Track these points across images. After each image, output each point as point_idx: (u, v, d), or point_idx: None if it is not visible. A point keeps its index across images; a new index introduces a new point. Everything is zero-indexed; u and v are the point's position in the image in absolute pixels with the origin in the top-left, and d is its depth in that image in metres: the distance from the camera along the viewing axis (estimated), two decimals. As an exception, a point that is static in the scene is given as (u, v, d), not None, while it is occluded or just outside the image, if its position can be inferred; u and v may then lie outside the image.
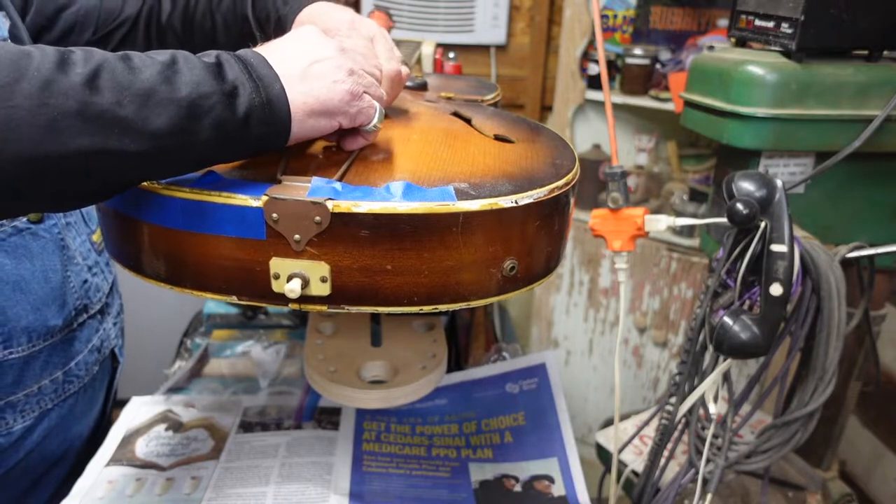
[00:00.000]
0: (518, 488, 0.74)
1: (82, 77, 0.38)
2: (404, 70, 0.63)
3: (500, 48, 1.94)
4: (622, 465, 0.95)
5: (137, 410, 0.84)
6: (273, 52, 0.47)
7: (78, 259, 0.74)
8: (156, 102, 0.40)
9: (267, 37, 0.69)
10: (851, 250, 0.75)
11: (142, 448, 0.77)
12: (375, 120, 0.52)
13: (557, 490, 0.73)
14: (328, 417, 0.84)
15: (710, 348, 0.70)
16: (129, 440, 0.79)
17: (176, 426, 0.81)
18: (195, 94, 0.41)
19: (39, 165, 0.37)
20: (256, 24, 0.72)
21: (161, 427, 0.81)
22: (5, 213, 0.42)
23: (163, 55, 0.42)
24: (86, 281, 0.75)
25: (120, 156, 0.39)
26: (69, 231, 0.73)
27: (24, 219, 0.67)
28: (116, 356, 0.85)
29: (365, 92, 0.50)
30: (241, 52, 0.46)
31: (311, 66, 0.47)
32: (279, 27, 0.69)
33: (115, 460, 0.75)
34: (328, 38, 0.51)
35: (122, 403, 0.88)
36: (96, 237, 0.78)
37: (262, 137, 0.46)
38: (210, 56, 0.44)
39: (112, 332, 0.83)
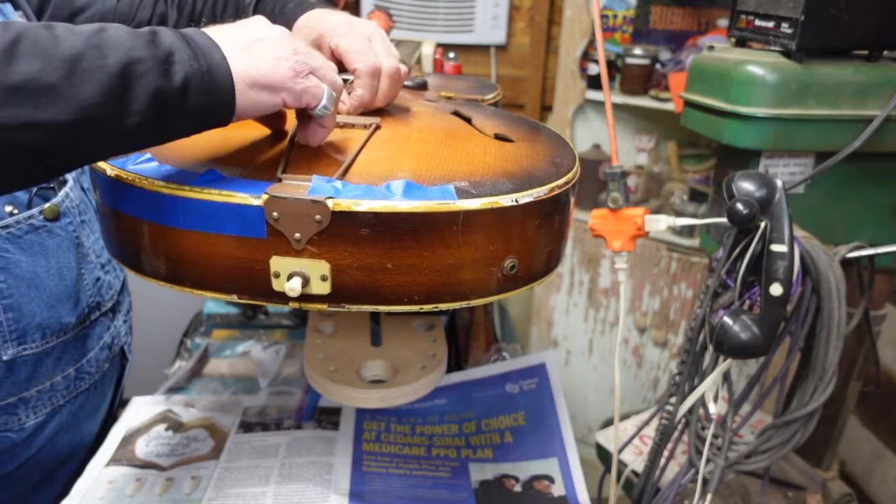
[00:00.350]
0: (518, 488, 0.74)
1: (1, 45, 0.36)
2: (403, 68, 0.64)
3: (500, 48, 1.94)
4: (622, 465, 0.95)
5: (138, 410, 0.84)
6: (216, 29, 0.47)
7: (92, 257, 0.75)
8: (84, 69, 0.37)
9: None
10: (851, 250, 0.75)
11: (142, 448, 0.77)
12: (324, 101, 0.50)
13: (557, 490, 0.73)
14: (328, 417, 0.84)
15: (710, 348, 0.70)
16: (129, 440, 0.79)
17: (176, 426, 0.81)
18: (126, 59, 0.39)
19: None
20: None
21: (161, 427, 0.81)
22: None
23: (91, 25, 0.40)
24: (99, 279, 0.76)
25: (50, 128, 0.37)
26: (84, 229, 0.74)
27: (41, 216, 0.67)
28: (126, 354, 0.85)
29: (311, 73, 0.49)
30: (182, 29, 0.45)
31: (255, 42, 0.46)
32: None
33: (115, 460, 0.75)
34: (277, 26, 0.50)
35: (122, 403, 0.88)
36: None
37: (204, 109, 0.43)
38: (144, 29, 0.42)
39: (122, 329, 0.83)
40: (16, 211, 0.66)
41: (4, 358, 0.65)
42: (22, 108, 0.36)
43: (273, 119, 0.53)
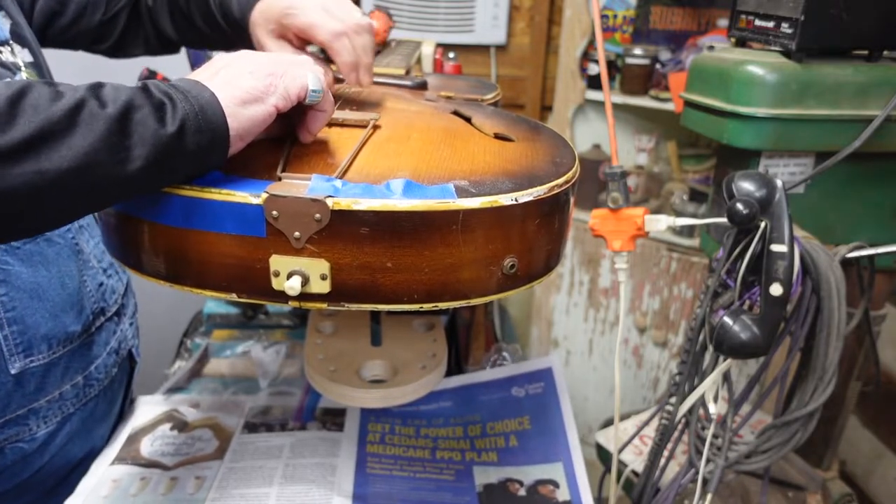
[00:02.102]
0: (522, 492, 0.74)
1: (6, 99, 0.37)
2: (367, 21, 0.66)
3: (500, 48, 1.95)
4: (622, 465, 0.95)
5: (143, 410, 0.84)
6: (189, 76, 0.49)
7: (93, 262, 0.74)
8: (84, 118, 0.39)
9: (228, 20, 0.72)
10: (851, 250, 0.75)
11: (146, 447, 0.77)
12: (311, 86, 0.51)
13: (562, 495, 0.73)
14: (332, 418, 0.83)
15: (710, 348, 0.70)
16: (134, 439, 0.79)
17: (181, 426, 0.81)
18: (124, 107, 0.41)
19: None
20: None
21: (166, 426, 0.81)
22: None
23: (90, 83, 0.42)
24: (101, 283, 0.75)
25: (53, 177, 0.38)
26: (82, 234, 0.73)
27: None
28: (133, 356, 0.85)
29: (286, 70, 0.50)
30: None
31: (223, 69, 0.49)
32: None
33: (119, 459, 0.76)
34: (234, 52, 0.52)
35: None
36: None
37: (201, 148, 0.45)
38: (137, 84, 0.45)
39: (129, 332, 0.82)
40: None
41: (12, 371, 0.65)
42: (28, 160, 0.37)
43: (277, 126, 0.53)
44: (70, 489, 0.71)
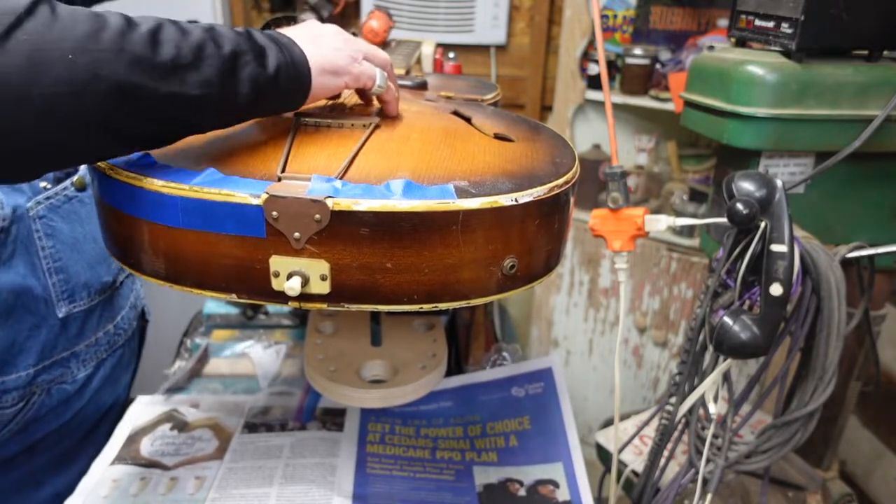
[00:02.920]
0: (522, 493, 0.74)
1: (148, 32, 0.44)
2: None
3: (500, 48, 1.95)
4: (622, 465, 0.95)
5: (143, 409, 0.84)
6: (287, 30, 0.56)
7: None
8: (206, 55, 0.46)
9: None
10: (851, 250, 0.75)
11: (147, 447, 0.77)
12: (378, 81, 0.60)
13: (562, 495, 0.73)
14: (332, 418, 0.83)
15: (710, 348, 0.70)
16: (134, 439, 0.79)
17: (181, 426, 0.81)
18: (235, 49, 0.48)
19: (122, 99, 0.42)
20: None
21: (166, 426, 0.81)
22: (100, 149, 0.46)
23: (200, 24, 0.49)
24: None
25: (180, 99, 0.45)
26: None
27: (72, 187, 0.78)
28: (145, 314, 0.97)
29: (364, 58, 0.59)
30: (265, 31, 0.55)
31: (318, 37, 0.56)
32: None
33: (119, 459, 0.76)
34: (329, 24, 0.60)
35: (126, 403, 0.89)
36: None
37: (289, 92, 0.53)
38: (239, 28, 0.51)
39: (140, 291, 0.95)
40: (49, 185, 0.75)
41: (59, 315, 0.76)
42: (164, 82, 0.44)
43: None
44: (96, 442, 0.81)
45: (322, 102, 0.65)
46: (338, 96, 0.67)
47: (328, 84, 0.56)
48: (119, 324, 0.86)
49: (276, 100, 0.52)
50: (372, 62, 0.60)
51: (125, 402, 0.90)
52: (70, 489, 0.71)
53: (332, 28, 0.59)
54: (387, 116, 0.63)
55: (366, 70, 0.58)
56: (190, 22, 0.49)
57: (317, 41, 0.56)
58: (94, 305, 0.80)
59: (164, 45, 0.44)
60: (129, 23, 0.44)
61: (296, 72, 0.52)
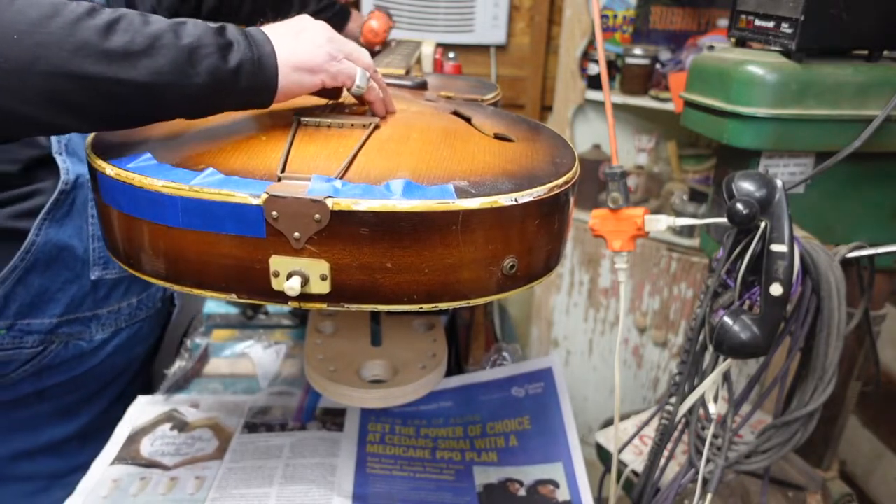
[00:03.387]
0: (522, 493, 0.74)
1: (105, 21, 0.46)
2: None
3: (500, 48, 1.95)
4: (622, 465, 0.95)
5: (143, 409, 0.84)
6: (272, 26, 0.57)
7: None
8: (161, 45, 0.48)
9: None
10: (851, 250, 0.75)
11: (147, 447, 0.77)
12: (357, 81, 0.59)
13: (562, 495, 0.73)
14: (332, 419, 0.83)
15: (710, 348, 0.70)
16: (134, 439, 0.79)
17: (181, 426, 0.81)
18: (195, 44, 0.49)
19: (64, 81, 0.45)
20: None
21: (166, 426, 0.81)
22: (46, 126, 0.49)
23: (177, 19, 0.50)
24: None
25: (128, 84, 0.47)
26: None
27: None
28: (174, 300, 1.03)
29: (345, 57, 0.58)
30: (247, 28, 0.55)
31: (299, 32, 0.56)
32: None
33: (119, 459, 0.75)
34: (319, 21, 0.59)
35: (137, 375, 0.97)
36: None
37: (252, 88, 0.52)
38: (214, 24, 0.52)
39: None
40: None
41: (92, 277, 0.82)
42: (111, 66, 0.46)
43: (327, 92, 0.62)
44: (102, 400, 0.90)
45: (322, 102, 0.65)
46: (338, 97, 0.66)
47: (302, 81, 0.55)
48: (144, 300, 0.91)
49: (239, 94, 0.52)
50: (356, 63, 0.59)
51: (136, 374, 0.97)
52: (66, 440, 0.79)
53: (319, 25, 0.58)
54: (380, 116, 0.62)
55: (344, 69, 0.58)
56: (215, 25, 0.52)
57: (298, 37, 0.56)
58: (124, 276, 0.85)
59: (118, 33, 0.47)
60: (90, 12, 0.47)
61: (259, 68, 0.52)
